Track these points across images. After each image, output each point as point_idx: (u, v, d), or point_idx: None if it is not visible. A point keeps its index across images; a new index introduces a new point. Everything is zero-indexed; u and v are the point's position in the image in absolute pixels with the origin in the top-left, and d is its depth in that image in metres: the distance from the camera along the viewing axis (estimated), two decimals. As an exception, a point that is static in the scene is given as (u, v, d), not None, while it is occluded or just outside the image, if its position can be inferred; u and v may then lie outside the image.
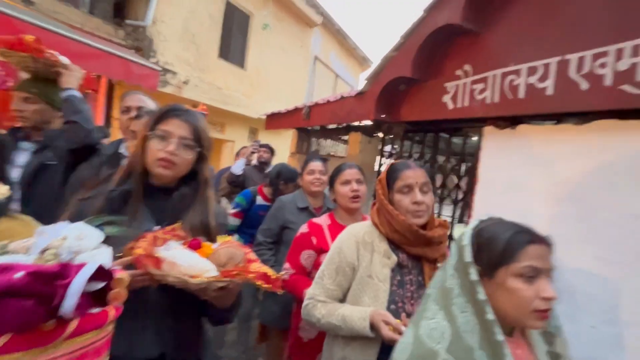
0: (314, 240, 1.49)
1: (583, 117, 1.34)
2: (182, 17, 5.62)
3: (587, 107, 1.26)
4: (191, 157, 0.89)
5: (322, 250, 1.47)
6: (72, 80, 1.45)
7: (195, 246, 0.76)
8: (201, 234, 0.82)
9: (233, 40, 6.75)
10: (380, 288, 1.05)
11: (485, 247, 0.73)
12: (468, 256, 0.73)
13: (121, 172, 0.88)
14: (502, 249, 0.71)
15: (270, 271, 0.73)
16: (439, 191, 2.14)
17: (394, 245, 1.10)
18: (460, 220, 2.01)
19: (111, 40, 4.52)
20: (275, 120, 4.24)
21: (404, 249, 1.09)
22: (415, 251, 1.08)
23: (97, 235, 0.67)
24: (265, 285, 0.71)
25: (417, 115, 2.06)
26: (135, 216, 0.81)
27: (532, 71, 1.42)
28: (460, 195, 2.04)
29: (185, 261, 0.69)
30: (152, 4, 4.93)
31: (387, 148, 2.73)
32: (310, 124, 3.43)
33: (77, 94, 1.45)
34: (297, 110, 3.50)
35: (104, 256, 0.64)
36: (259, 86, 7.43)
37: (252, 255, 0.78)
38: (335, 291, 1.12)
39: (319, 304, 1.12)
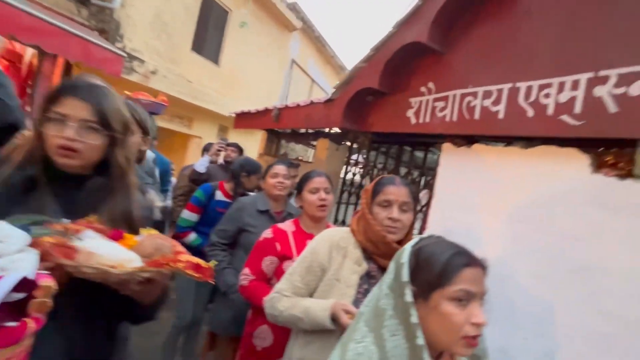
0: (278, 246, 1.45)
1: (529, 141, 1.44)
2: (155, 4, 5.39)
3: (532, 132, 1.36)
4: (99, 143, 0.76)
5: (285, 257, 1.44)
6: None
7: (116, 237, 0.69)
8: (123, 227, 0.74)
9: (209, 34, 6.57)
10: (346, 293, 1.07)
11: (423, 267, 0.72)
12: (405, 276, 0.71)
13: (21, 154, 0.75)
14: (439, 271, 0.70)
15: (201, 261, 0.68)
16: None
17: (367, 254, 1.12)
18: (419, 233, 2.08)
19: (72, 18, 4.22)
20: (244, 120, 4.17)
21: (375, 259, 1.11)
22: (386, 263, 1.08)
23: (22, 237, 0.59)
24: (197, 275, 0.65)
25: (382, 127, 2.11)
26: (40, 208, 0.70)
27: (487, 95, 1.51)
28: (418, 208, 2.11)
29: (104, 251, 0.62)
30: (122, -14, 4.68)
31: (355, 157, 2.77)
32: (279, 127, 3.40)
33: None
34: (267, 111, 3.47)
35: (28, 262, 0.56)
36: (233, 84, 7.28)
37: (180, 247, 0.72)
38: (303, 289, 1.14)
39: (284, 297, 1.13)
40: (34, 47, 3.43)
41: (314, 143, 3.61)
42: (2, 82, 1.23)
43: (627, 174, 1.17)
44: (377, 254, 1.11)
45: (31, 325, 0.52)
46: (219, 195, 2.24)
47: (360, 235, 1.13)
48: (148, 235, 0.74)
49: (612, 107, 1.14)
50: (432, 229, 1.80)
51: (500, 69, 1.49)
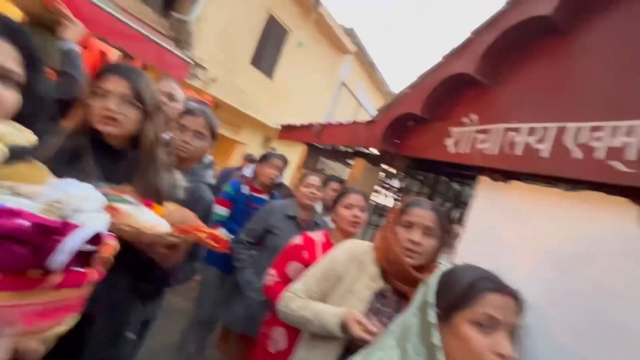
0: (305, 254, 1.48)
1: (573, 184, 1.37)
2: (224, 20, 5.94)
3: (577, 175, 1.29)
4: (135, 115, 0.88)
5: (310, 265, 1.44)
6: (73, 33, 1.47)
7: (147, 205, 0.77)
8: (152, 197, 0.82)
9: (267, 50, 7.05)
10: (357, 307, 1.06)
11: (448, 288, 0.72)
12: (431, 297, 0.72)
13: (71, 125, 0.86)
14: (461, 292, 0.69)
15: (220, 233, 0.76)
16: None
17: (384, 273, 1.11)
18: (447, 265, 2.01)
19: (154, 27, 4.79)
20: (288, 132, 4.36)
21: (390, 280, 1.10)
22: (401, 287, 1.09)
23: (101, 200, 0.70)
24: (214, 245, 0.73)
25: (420, 153, 2.11)
26: (85, 173, 0.79)
27: (531, 131, 1.47)
28: (448, 241, 2.05)
29: (140, 214, 0.71)
30: (199, 2, 5.24)
31: (392, 182, 2.78)
32: (319, 142, 3.52)
33: (77, 48, 1.46)
34: (310, 126, 3.61)
35: (102, 222, 0.66)
36: (282, 98, 7.66)
37: (200, 222, 0.79)
38: (316, 294, 1.16)
39: (297, 298, 1.16)
40: (118, 48, 3.95)
41: (351, 162, 3.67)
42: (78, 63, 1.41)
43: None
44: (392, 274, 1.09)
45: (94, 275, 0.61)
46: (246, 190, 2.34)
47: (380, 253, 1.13)
48: (174, 207, 0.82)
49: (669, 158, 1.07)
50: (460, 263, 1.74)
51: (549, 107, 1.45)
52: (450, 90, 1.89)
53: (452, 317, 0.69)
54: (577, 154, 1.30)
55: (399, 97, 2.20)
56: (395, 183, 2.58)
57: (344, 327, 1.00)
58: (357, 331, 0.96)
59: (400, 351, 0.70)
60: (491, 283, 0.70)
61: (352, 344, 1.00)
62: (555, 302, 1.30)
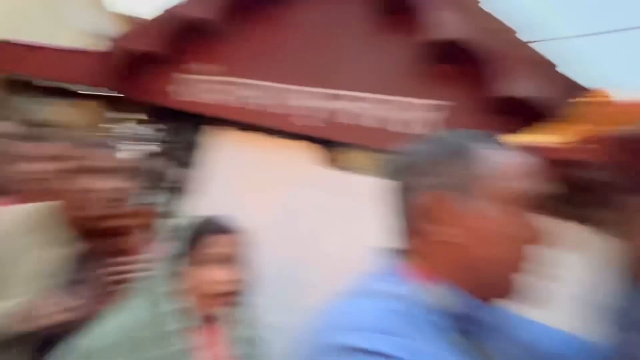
0: None
1: (276, 133, 1.79)
2: None
3: (275, 125, 1.72)
4: None
5: None
6: None
7: None
8: None
9: None
10: (43, 286, 0.87)
11: (182, 239, 0.82)
12: (172, 248, 0.81)
13: None
14: (188, 240, 0.81)
15: None
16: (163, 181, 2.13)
17: (75, 233, 0.93)
18: (179, 212, 2.04)
19: None
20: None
21: (85, 239, 0.94)
22: (98, 243, 0.95)
23: None
24: None
25: (153, 97, 2.01)
26: None
27: (244, 86, 1.78)
28: (181, 187, 2.12)
29: None
30: None
31: (124, 129, 2.43)
32: (15, 71, 2.49)
33: None
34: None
35: None
36: None
37: None
38: None
39: None
40: None
41: (63, 101, 2.87)
42: None
43: (341, 167, 1.71)
44: (83, 232, 0.94)
45: None
46: None
47: (63, 210, 0.94)
48: None
49: (341, 119, 1.62)
50: (189, 208, 1.90)
51: (262, 66, 1.78)
52: (189, 35, 1.86)
53: (187, 262, 0.80)
54: (278, 109, 1.73)
55: (134, 29, 1.92)
56: (131, 130, 2.29)
57: (28, 320, 0.80)
58: (52, 317, 0.80)
59: (147, 304, 0.76)
60: (211, 226, 0.83)
61: (50, 335, 0.81)
62: (272, 221, 1.73)
